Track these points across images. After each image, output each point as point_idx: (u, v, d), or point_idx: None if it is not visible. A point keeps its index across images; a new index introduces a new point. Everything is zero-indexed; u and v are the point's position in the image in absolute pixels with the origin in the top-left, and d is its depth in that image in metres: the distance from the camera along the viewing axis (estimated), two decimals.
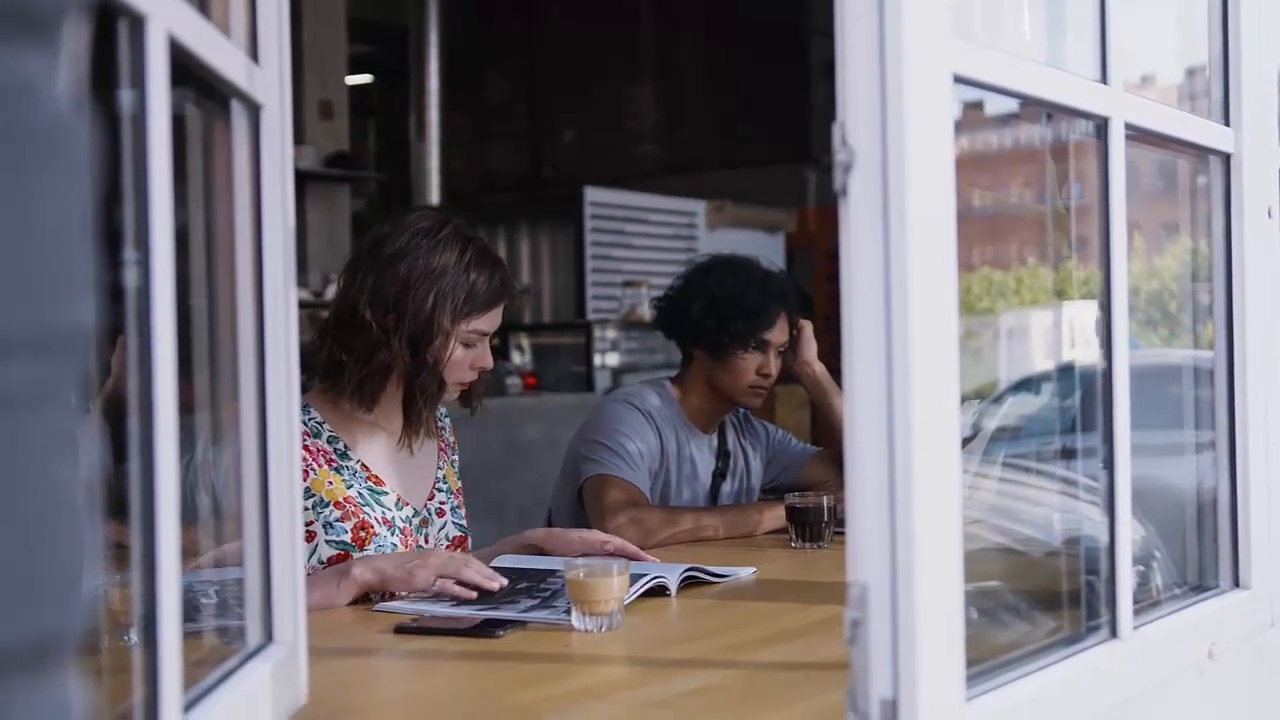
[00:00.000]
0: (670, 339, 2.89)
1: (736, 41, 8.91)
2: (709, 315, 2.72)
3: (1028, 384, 2.72)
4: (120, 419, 0.89)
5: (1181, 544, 1.75)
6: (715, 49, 9.09)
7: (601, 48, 9.29)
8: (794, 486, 2.81)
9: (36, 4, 0.59)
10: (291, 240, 1.26)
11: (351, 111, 7.82)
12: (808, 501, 2.47)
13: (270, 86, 1.22)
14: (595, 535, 2.20)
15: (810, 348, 2.84)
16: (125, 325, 0.88)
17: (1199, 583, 1.70)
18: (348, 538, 2.06)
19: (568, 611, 1.74)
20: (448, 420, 2.35)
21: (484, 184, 9.87)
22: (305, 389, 2.13)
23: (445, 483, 2.27)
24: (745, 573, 2.15)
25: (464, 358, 2.13)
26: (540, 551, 2.21)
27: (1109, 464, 1.39)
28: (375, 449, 2.16)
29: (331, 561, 2.04)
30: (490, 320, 2.15)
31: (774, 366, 2.74)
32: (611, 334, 6.95)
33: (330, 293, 6.37)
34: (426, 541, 2.18)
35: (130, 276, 0.87)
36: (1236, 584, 1.67)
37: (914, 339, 1.03)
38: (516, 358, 7.02)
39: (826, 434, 3.06)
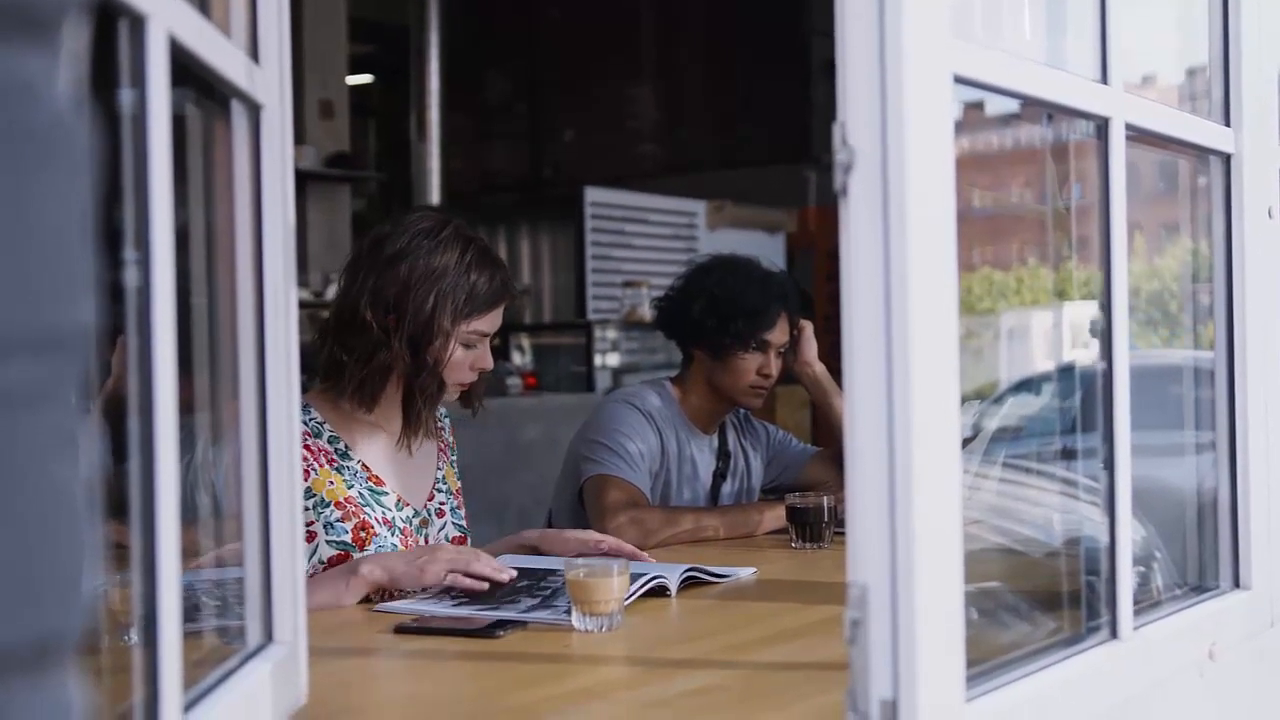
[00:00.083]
0: (670, 339, 2.89)
1: (737, 41, 8.91)
2: (709, 315, 2.72)
3: (1028, 384, 2.71)
4: (120, 419, 0.89)
5: (1182, 544, 1.75)
6: (715, 49, 9.09)
7: (601, 48, 9.29)
8: (794, 487, 2.81)
9: (36, 4, 0.59)
10: (292, 240, 1.26)
11: (352, 111, 7.82)
12: (808, 502, 2.47)
13: (270, 86, 1.22)
14: (591, 535, 2.20)
15: (810, 348, 2.84)
16: (125, 325, 0.88)
17: (1199, 583, 1.70)
18: (348, 538, 2.06)
19: (568, 611, 1.74)
20: (447, 420, 2.35)
21: (484, 184, 9.87)
22: (305, 389, 2.13)
23: (445, 483, 2.27)
24: (745, 573, 2.15)
25: (464, 358, 2.13)
26: (537, 552, 2.22)
27: (1109, 464, 1.39)
28: (375, 449, 2.17)
29: (332, 561, 2.04)
30: (491, 321, 2.15)
31: (774, 367, 2.74)
32: (612, 334, 6.95)
33: (330, 293, 6.37)
34: (426, 542, 2.18)
35: (130, 276, 0.87)
36: (1237, 584, 1.67)
37: (914, 339, 1.03)
38: (517, 358, 7.02)
39: (827, 434, 3.06)
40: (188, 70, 1.00)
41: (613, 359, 6.91)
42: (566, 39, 9.51)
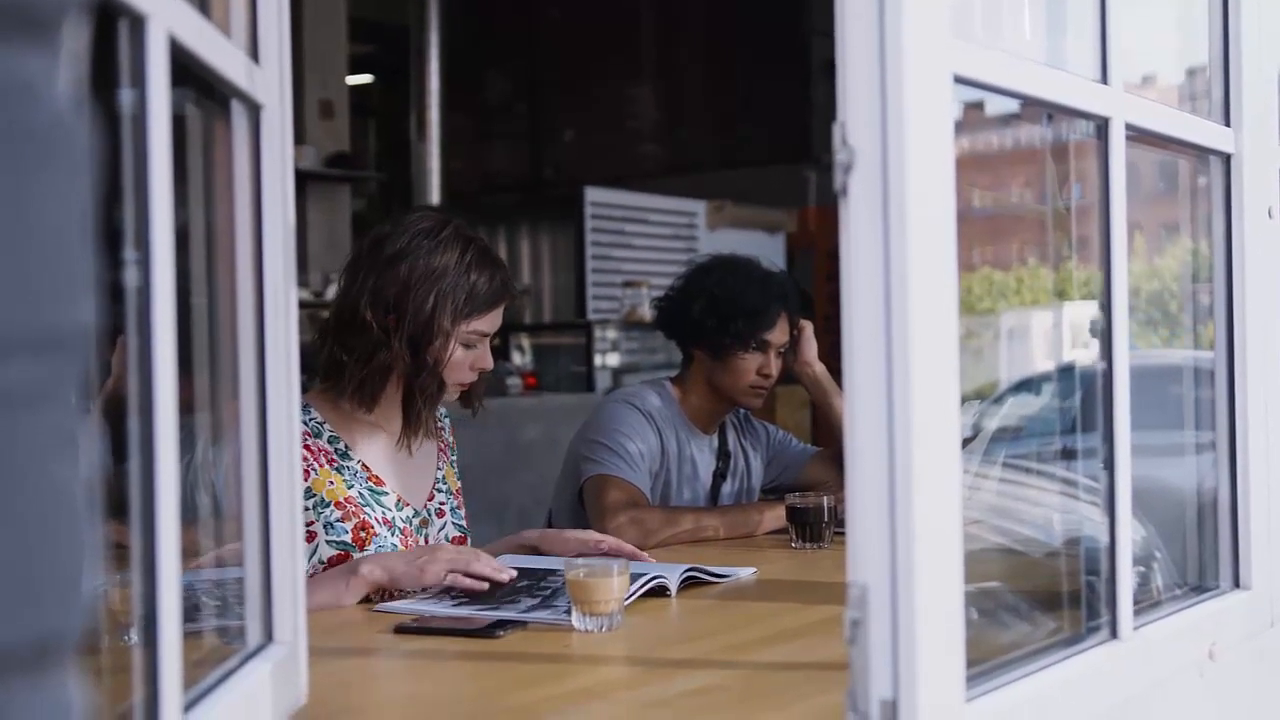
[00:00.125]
0: (670, 339, 2.89)
1: (737, 41, 8.91)
2: (709, 315, 2.72)
3: (1028, 384, 2.71)
4: (120, 419, 0.89)
5: (1182, 544, 1.75)
6: (715, 49, 9.09)
7: (601, 48, 9.29)
8: (794, 487, 2.81)
9: (36, 4, 0.59)
10: (292, 240, 1.26)
11: (352, 111, 7.82)
12: (808, 502, 2.47)
13: (270, 86, 1.22)
14: (591, 535, 2.20)
15: (811, 348, 2.84)
16: (125, 325, 0.88)
17: (1199, 583, 1.70)
18: (348, 538, 2.06)
19: (568, 611, 1.74)
20: (447, 420, 2.35)
21: (484, 184, 9.87)
22: (305, 389, 2.13)
23: (445, 483, 2.27)
24: (745, 573, 2.15)
25: (464, 358, 2.13)
26: (537, 552, 2.22)
27: (1109, 464, 1.39)
28: (375, 449, 2.17)
29: (332, 561, 2.04)
30: (490, 321, 2.15)
31: (774, 367, 2.74)
32: (612, 334, 6.95)
33: (331, 293, 6.37)
34: (426, 542, 2.18)
35: (130, 276, 0.87)
36: (1237, 584, 1.67)
37: (914, 339, 1.03)
38: (517, 358, 7.02)
39: (827, 434, 3.06)
40: (188, 70, 1.00)
41: (613, 359, 6.91)
42: (566, 39, 9.51)
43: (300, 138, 6.92)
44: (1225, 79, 1.67)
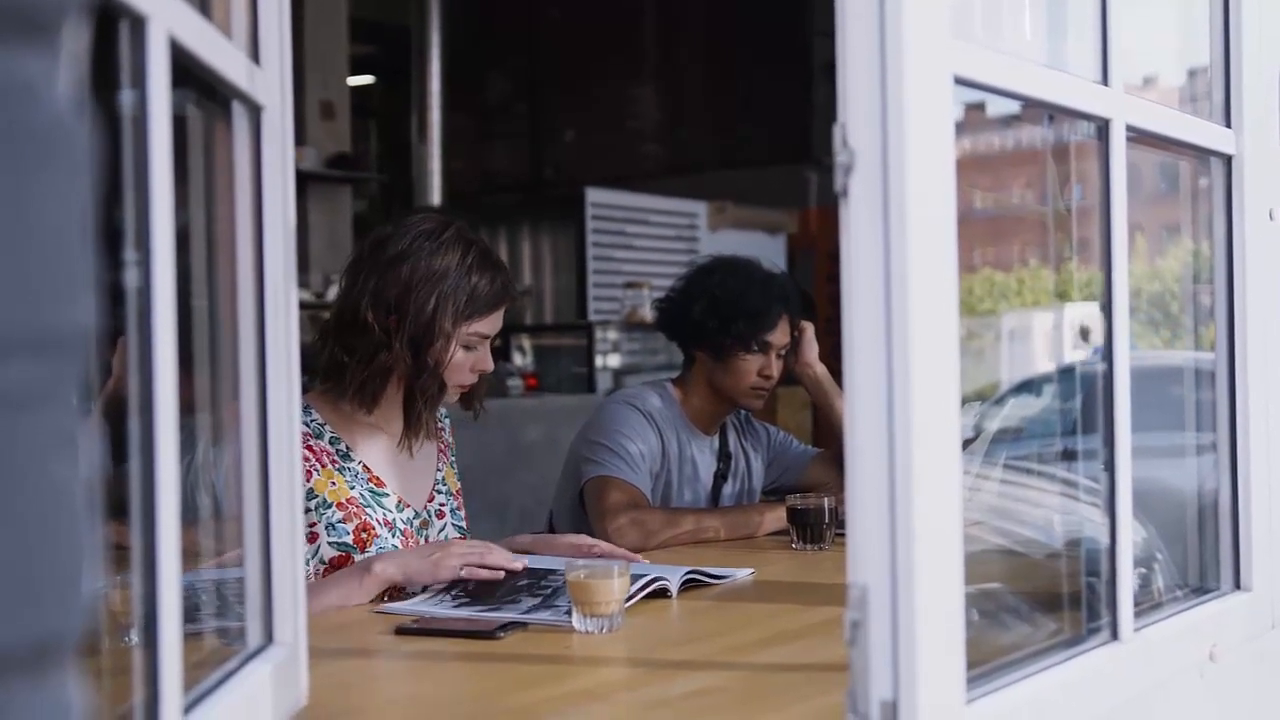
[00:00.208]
0: (672, 340, 2.89)
1: (737, 41, 8.91)
2: (711, 317, 2.72)
3: (1029, 385, 2.72)
4: (120, 419, 0.89)
5: (1182, 546, 1.75)
6: (716, 49, 9.09)
7: (602, 48, 9.29)
8: (795, 488, 2.81)
9: (36, 5, 0.59)
10: (292, 241, 1.26)
11: (353, 112, 7.82)
12: (809, 503, 2.47)
13: (271, 87, 1.22)
14: (584, 540, 2.20)
15: (811, 349, 2.84)
16: (125, 325, 0.88)
17: (1200, 584, 1.70)
18: (349, 539, 2.06)
19: (568, 612, 1.74)
20: (447, 421, 2.35)
21: (485, 184, 9.87)
22: (306, 390, 2.13)
23: (445, 484, 2.27)
24: (745, 574, 2.15)
25: (465, 360, 2.13)
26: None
27: (1110, 466, 1.39)
28: (376, 450, 2.17)
29: (333, 562, 2.04)
30: (491, 323, 2.15)
31: (775, 368, 2.74)
32: (613, 335, 6.95)
33: (331, 294, 6.38)
34: (425, 544, 2.18)
35: (130, 276, 0.87)
36: (1237, 586, 1.67)
37: (914, 340, 1.03)
38: (518, 359, 7.02)
39: (828, 435, 3.05)
40: (188, 71, 1.00)
41: (614, 360, 6.91)
42: (567, 39, 9.51)
43: (301, 139, 6.92)
44: (1226, 80, 1.67)
